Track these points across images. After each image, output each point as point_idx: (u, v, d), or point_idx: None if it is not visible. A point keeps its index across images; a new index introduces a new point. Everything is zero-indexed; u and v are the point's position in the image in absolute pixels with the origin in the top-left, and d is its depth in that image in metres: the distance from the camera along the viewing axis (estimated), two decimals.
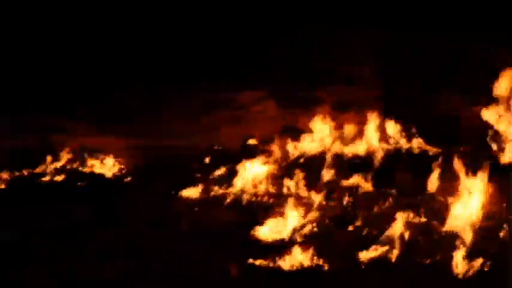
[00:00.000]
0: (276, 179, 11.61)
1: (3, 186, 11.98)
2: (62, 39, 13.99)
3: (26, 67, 13.85)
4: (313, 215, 9.98)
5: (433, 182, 9.76)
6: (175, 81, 13.82)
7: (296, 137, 12.46)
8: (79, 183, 12.17)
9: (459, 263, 7.71)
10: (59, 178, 12.44)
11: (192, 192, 11.62)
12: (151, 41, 14.06)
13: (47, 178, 12.37)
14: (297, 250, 8.84)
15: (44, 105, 13.42)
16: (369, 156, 11.40)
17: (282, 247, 9.19)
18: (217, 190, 11.66)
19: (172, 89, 13.75)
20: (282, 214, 10.06)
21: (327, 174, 11.22)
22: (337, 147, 11.87)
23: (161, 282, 8.58)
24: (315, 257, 8.62)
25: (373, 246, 8.62)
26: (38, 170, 12.64)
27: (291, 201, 10.32)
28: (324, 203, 10.49)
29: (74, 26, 13.97)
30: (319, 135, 12.35)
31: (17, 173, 12.42)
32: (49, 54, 14.02)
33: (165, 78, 13.80)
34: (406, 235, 8.71)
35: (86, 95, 13.75)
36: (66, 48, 13.99)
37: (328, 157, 11.69)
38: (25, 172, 12.50)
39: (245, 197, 11.34)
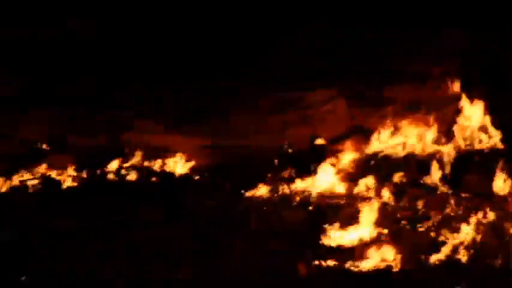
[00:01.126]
0: (346, 179, 12.24)
1: (76, 184, 13.02)
2: (134, 36, 15.10)
3: (97, 67, 15.07)
4: (384, 215, 10.44)
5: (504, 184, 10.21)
6: (244, 81, 14.54)
7: (366, 137, 13.10)
8: (149, 182, 13.14)
9: None
10: (129, 177, 13.43)
11: (260, 192, 12.36)
12: (221, 39, 14.84)
13: (117, 177, 13.38)
14: (367, 251, 9.34)
15: (115, 104, 14.45)
16: (440, 157, 11.92)
17: (352, 248, 9.75)
18: (285, 190, 12.37)
19: (240, 89, 14.48)
20: (352, 215, 10.60)
21: (398, 175, 11.72)
22: (409, 147, 12.44)
23: (231, 280, 9.36)
24: (386, 258, 9.08)
25: (444, 247, 9.18)
26: (109, 168, 13.66)
27: (361, 201, 10.90)
28: (394, 204, 10.96)
29: (148, 25, 15.05)
30: (389, 135, 12.95)
31: (89, 172, 13.49)
32: (120, 53, 15.01)
33: (233, 78, 14.54)
34: (477, 237, 9.24)
35: (155, 94, 14.68)
36: (139, 47, 15.09)
37: (400, 157, 12.28)
38: (97, 171, 13.54)
39: (314, 197, 11.97)
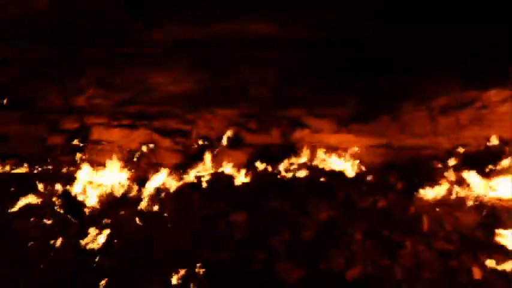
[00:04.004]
0: None
1: (248, 181, 15.70)
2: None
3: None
4: None
5: None
6: (417, 78, 16.01)
7: None
8: (318, 180, 15.30)
9: None
10: (299, 174, 15.72)
11: (433, 193, 13.99)
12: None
13: (289, 174, 15.73)
14: None
15: (288, 102, 16.82)
16: None
17: None
18: (459, 192, 13.91)
19: (412, 87, 15.99)
20: None
21: None
22: None
23: (403, 281, 11.47)
24: None
25: None
26: (280, 165, 16.06)
27: None
28: None
29: None
30: None
31: (262, 169, 16.00)
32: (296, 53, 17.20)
33: (405, 74, 16.04)
34: None
35: (326, 93, 16.72)
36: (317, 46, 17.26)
37: None
38: (269, 168, 16.11)
39: (489, 199, 13.39)
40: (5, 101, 16.59)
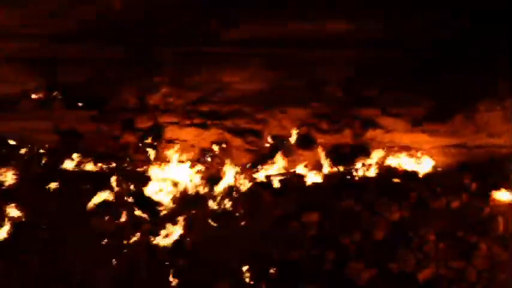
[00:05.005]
0: None
1: (319, 181, 16.29)
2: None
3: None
4: None
5: None
6: (493, 77, 15.92)
7: None
8: (392, 180, 15.66)
9: None
10: (370, 174, 16.11)
11: (508, 193, 14.21)
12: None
13: (361, 174, 16.12)
14: None
15: (360, 102, 17.07)
16: None
17: None
18: None
19: (488, 87, 15.92)
20: None
21: None
22: None
23: (477, 283, 11.96)
24: None
25: None
26: (353, 165, 16.48)
27: None
28: None
29: None
30: None
31: (333, 169, 16.45)
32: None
33: (481, 75, 15.98)
34: None
35: (400, 92, 17.10)
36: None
37: None
38: (341, 168, 16.56)
39: None
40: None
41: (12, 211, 14.28)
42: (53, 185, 15.36)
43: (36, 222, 14.16)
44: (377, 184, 15.35)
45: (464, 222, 13.38)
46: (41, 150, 17.07)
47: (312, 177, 16.02)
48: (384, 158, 16.41)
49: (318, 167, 16.43)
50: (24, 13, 17.41)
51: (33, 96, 18.09)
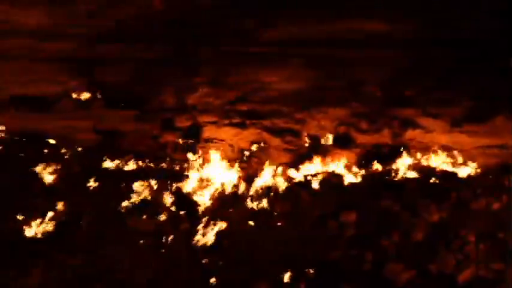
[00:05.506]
0: None
1: (359, 180, 16.41)
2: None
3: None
4: None
5: None
6: None
7: None
8: (431, 181, 15.71)
9: None
10: (409, 175, 16.19)
11: None
12: None
13: (400, 174, 16.21)
14: None
15: (399, 102, 17.41)
16: None
17: None
18: None
19: None
20: None
21: None
22: None
23: None
24: None
25: None
26: (390, 166, 16.62)
27: None
28: None
29: None
30: None
31: (372, 169, 16.66)
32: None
33: None
34: None
35: (440, 92, 17.34)
36: None
37: None
38: (379, 168, 16.69)
39: None
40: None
41: (52, 210, 14.44)
42: (93, 184, 15.61)
43: (75, 221, 14.31)
44: (416, 184, 15.40)
45: (504, 224, 13.21)
46: (81, 149, 17.39)
47: (350, 177, 16.12)
48: (424, 158, 16.49)
49: (356, 166, 16.65)
50: (64, 13, 17.72)
51: (74, 95, 18.25)
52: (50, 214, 14.22)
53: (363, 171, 16.43)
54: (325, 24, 16.97)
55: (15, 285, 11.71)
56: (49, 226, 13.89)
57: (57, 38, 18.02)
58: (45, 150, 17.42)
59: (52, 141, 17.71)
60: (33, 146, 17.48)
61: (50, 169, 16.15)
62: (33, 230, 13.72)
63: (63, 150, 17.40)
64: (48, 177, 15.91)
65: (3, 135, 17.82)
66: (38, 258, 12.51)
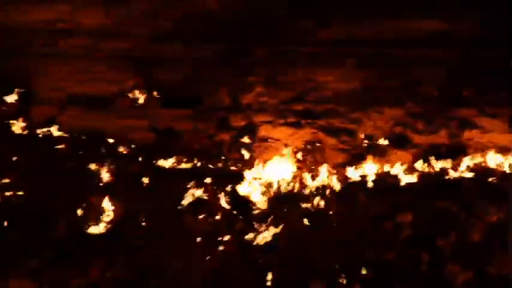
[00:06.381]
0: None
1: (414, 181, 16.56)
2: None
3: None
4: None
5: None
6: None
7: None
8: (489, 181, 15.73)
9: None
10: (466, 175, 16.24)
11: None
12: None
13: (457, 175, 16.28)
14: None
15: (456, 102, 17.60)
16: None
17: None
18: None
19: None
20: None
21: None
22: None
23: None
24: None
25: None
26: (449, 166, 16.70)
27: None
28: None
29: None
30: None
31: (428, 169, 16.79)
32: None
33: None
34: None
35: (498, 92, 17.34)
36: None
37: None
38: (436, 168, 16.73)
39: None
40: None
41: (109, 208, 14.72)
42: (148, 183, 15.91)
43: (132, 220, 14.52)
44: (474, 185, 15.39)
45: None
46: (137, 148, 17.70)
47: (407, 177, 16.18)
48: (481, 158, 16.51)
49: (412, 167, 16.71)
50: (122, 13, 18.05)
51: (130, 95, 18.50)
52: (107, 212, 14.47)
53: (419, 171, 16.50)
54: (382, 23, 17.11)
55: (75, 283, 11.99)
56: (106, 224, 14.08)
57: (115, 37, 18.37)
58: (103, 149, 17.73)
59: (110, 139, 17.89)
60: (91, 144, 17.96)
61: (107, 167, 16.33)
62: (91, 228, 14.02)
63: (120, 149, 17.72)
64: (105, 176, 16.14)
65: (62, 134, 18.23)
66: (96, 257, 12.77)
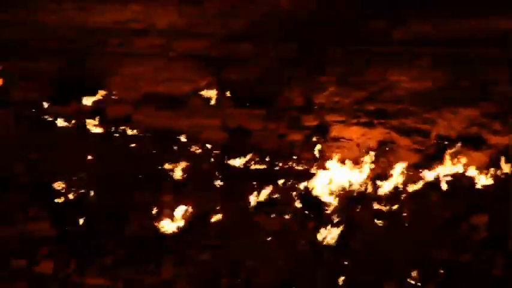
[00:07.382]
0: None
1: (489, 183, 16.40)
2: None
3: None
4: None
5: None
6: None
7: None
8: None
9: None
10: None
11: None
12: None
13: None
14: None
15: None
16: None
17: None
18: None
19: None
20: None
21: None
22: None
23: None
24: None
25: None
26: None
27: None
28: None
29: None
30: None
31: (504, 170, 16.61)
32: None
33: None
34: None
35: None
36: None
37: None
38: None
39: None
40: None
41: (182, 207, 15.15)
42: (221, 182, 16.30)
43: (204, 218, 14.96)
44: None
45: None
46: (210, 147, 17.95)
47: (482, 179, 16.11)
48: None
49: (488, 168, 16.53)
50: (196, 13, 18.40)
51: (203, 94, 18.83)
52: (179, 211, 14.84)
53: (494, 173, 16.30)
54: (457, 22, 16.98)
55: (149, 280, 12.43)
56: (178, 222, 14.46)
57: (189, 36, 18.79)
58: (175, 148, 18.04)
59: (182, 138, 18.16)
60: (164, 143, 18.35)
61: (179, 166, 16.58)
62: (164, 226, 14.45)
63: (192, 148, 17.96)
64: (178, 174, 16.48)
65: (136, 132, 18.55)
66: (169, 254, 13.23)
